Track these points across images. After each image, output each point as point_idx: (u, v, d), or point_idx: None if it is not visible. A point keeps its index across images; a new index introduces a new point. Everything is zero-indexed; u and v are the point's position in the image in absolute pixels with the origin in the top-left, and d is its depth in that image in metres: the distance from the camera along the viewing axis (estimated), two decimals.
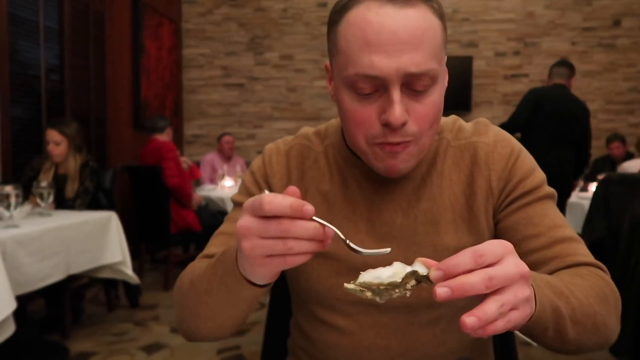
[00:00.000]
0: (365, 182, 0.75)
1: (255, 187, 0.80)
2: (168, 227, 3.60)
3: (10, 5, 3.12)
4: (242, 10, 5.67)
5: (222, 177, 4.31)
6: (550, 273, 0.67)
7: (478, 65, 5.44)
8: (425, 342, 0.74)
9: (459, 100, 5.35)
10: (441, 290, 0.42)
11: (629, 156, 4.57)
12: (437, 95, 0.64)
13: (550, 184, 0.77)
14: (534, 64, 5.42)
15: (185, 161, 3.95)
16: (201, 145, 5.75)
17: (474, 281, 0.42)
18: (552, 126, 3.34)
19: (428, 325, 0.74)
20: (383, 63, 0.59)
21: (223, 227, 0.80)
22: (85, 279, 2.87)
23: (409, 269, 0.47)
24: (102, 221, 2.68)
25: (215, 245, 0.78)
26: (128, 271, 2.80)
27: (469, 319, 0.42)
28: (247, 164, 5.09)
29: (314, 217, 0.48)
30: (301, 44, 5.58)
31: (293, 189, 0.49)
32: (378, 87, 0.62)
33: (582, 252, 0.69)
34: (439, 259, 0.70)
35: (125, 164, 4.02)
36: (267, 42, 5.65)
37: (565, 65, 3.48)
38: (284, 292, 0.93)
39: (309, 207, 0.46)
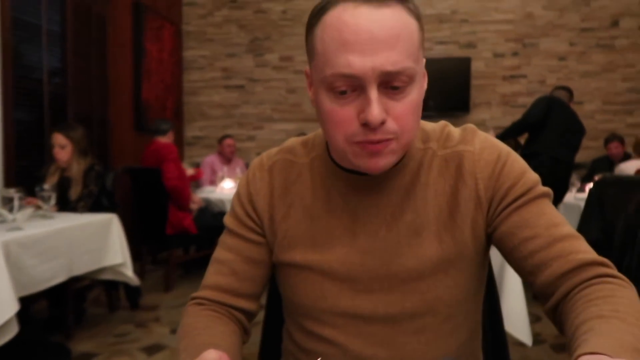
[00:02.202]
0: (350, 195, 0.74)
1: (241, 209, 0.80)
2: (164, 228, 3.63)
3: (14, 10, 3.15)
4: (242, 12, 5.70)
5: (222, 178, 4.35)
6: (558, 275, 0.65)
7: (477, 66, 5.45)
8: (411, 351, 0.74)
9: (457, 101, 5.38)
10: None
11: (627, 156, 4.59)
12: (415, 95, 0.64)
13: (549, 181, 0.75)
14: (532, 64, 5.44)
15: (189, 170, 4.00)
16: (202, 147, 5.78)
17: None
18: (564, 127, 3.73)
19: (413, 334, 0.74)
20: (359, 62, 0.59)
21: (216, 253, 0.82)
22: (86, 280, 2.90)
23: None
24: (103, 223, 2.72)
25: (210, 274, 0.80)
26: (128, 273, 2.83)
27: None
28: (247, 165, 5.12)
29: None
30: (301, 46, 5.60)
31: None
32: (355, 86, 0.62)
33: (584, 248, 0.67)
34: (421, 269, 0.72)
35: (127, 165, 4.05)
36: (267, 43, 5.68)
37: (565, 89, 3.99)
38: (280, 300, 0.95)
39: None
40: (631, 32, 5.34)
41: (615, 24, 5.34)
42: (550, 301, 0.66)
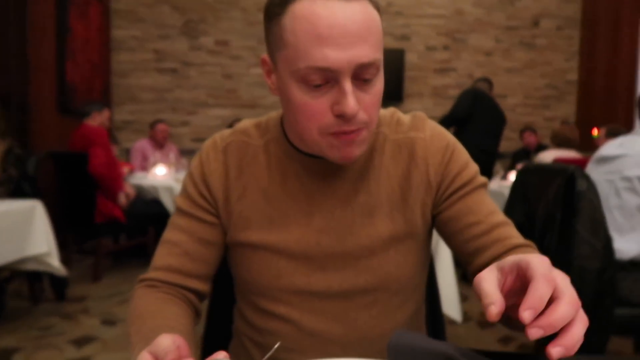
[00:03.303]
0: (306, 177, 0.76)
1: (195, 190, 0.79)
2: (93, 216, 3.46)
3: None
4: None
5: (154, 164, 4.20)
6: (495, 256, 0.73)
7: (410, 58, 5.62)
8: (362, 324, 0.77)
9: (391, 91, 5.53)
10: (535, 332, 0.42)
11: (541, 147, 4.95)
12: (380, 84, 0.67)
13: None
14: (461, 59, 5.69)
15: (124, 169, 3.81)
16: (132, 131, 5.54)
17: (566, 318, 0.43)
18: (488, 118, 3.91)
19: (365, 308, 0.77)
20: (335, 55, 0.60)
21: (167, 234, 0.80)
22: (6, 271, 2.71)
23: None
24: (25, 211, 2.55)
25: (161, 255, 0.78)
26: (54, 262, 2.68)
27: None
28: (181, 151, 4.98)
29: None
30: (237, 30, 5.50)
31: (180, 348, 0.50)
32: (329, 79, 0.63)
33: (515, 234, 0.76)
34: (373, 247, 0.75)
35: (50, 150, 3.81)
36: (202, 26, 5.52)
37: (486, 80, 4.25)
38: (228, 281, 0.95)
39: None
40: (550, 32, 5.72)
41: (536, 24, 5.70)
42: None
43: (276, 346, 0.53)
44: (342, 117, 0.64)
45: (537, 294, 0.43)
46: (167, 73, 5.54)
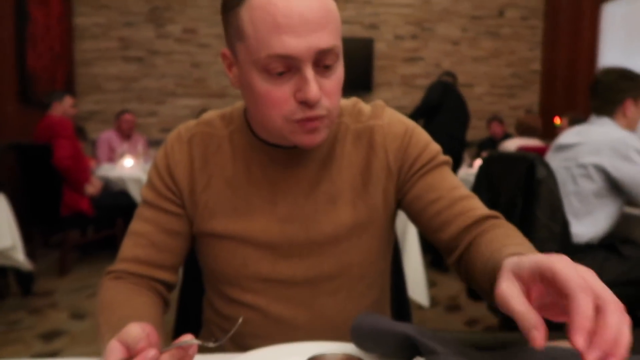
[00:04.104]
0: (270, 166, 0.78)
1: (160, 181, 0.80)
2: (58, 209, 3.39)
3: None
4: None
5: (122, 155, 4.12)
6: (460, 229, 0.74)
7: (379, 47, 5.65)
8: (328, 310, 0.80)
9: (360, 81, 5.55)
10: (595, 355, 0.39)
11: (507, 136, 5.07)
12: (340, 71, 0.69)
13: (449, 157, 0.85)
14: (429, 48, 5.76)
15: (91, 163, 3.72)
16: (97, 122, 5.42)
17: (619, 328, 0.40)
18: (456, 109, 4.01)
19: (330, 295, 0.79)
20: (294, 43, 0.62)
21: (133, 226, 0.80)
22: None
23: None
24: None
25: (128, 247, 0.79)
26: (19, 257, 2.62)
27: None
28: (149, 142, 4.90)
29: (165, 348, 0.50)
30: (205, 18, 5.42)
31: (150, 336, 0.51)
32: (290, 67, 0.64)
33: (479, 205, 0.77)
34: (336, 235, 0.78)
35: (12, 141, 3.69)
36: (169, 14, 5.41)
37: (451, 74, 4.34)
38: (197, 271, 0.96)
39: (151, 354, 0.48)
40: (514, 22, 5.84)
41: (501, 14, 5.81)
42: (455, 253, 0.75)
43: (239, 322, 0.55)
44: (305, 103, 0.66)
45: (584, 314, 0.39)
46: (133, 62, 5.42)
